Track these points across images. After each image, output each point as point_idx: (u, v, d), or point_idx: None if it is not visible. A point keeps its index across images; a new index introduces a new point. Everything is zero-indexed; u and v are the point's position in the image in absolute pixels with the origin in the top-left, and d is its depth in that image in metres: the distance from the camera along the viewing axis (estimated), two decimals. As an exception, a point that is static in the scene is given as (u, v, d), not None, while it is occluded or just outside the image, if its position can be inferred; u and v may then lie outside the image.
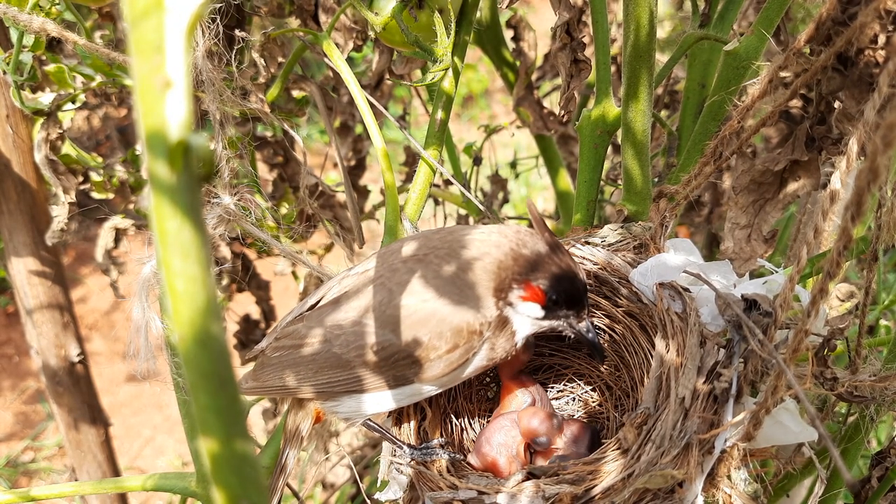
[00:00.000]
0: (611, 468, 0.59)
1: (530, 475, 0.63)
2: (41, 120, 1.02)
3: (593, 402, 0.84)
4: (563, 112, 0.93)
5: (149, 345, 0.69)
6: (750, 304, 0.59)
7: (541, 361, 0.88)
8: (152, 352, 0.70)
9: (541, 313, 0.67)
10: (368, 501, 0.72)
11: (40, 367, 1.23)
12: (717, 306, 0.62)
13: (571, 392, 0.86)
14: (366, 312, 0.65)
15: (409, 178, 1.48)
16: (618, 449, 0.62)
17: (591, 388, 0.85)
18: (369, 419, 0.71)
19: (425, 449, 0.69)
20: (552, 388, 0.87)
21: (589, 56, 0.91)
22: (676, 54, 0.87)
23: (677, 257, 0.71)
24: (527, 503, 0.60)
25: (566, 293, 0.66)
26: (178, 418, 0.75)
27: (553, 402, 0.85)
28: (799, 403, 0.59)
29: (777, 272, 0.67)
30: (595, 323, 0.81)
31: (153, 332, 0.69)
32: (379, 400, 0.67)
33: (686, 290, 0.67)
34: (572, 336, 0.70)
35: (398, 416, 0.74)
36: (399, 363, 0.64)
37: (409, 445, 0.70)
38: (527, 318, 0.67)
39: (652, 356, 0.68)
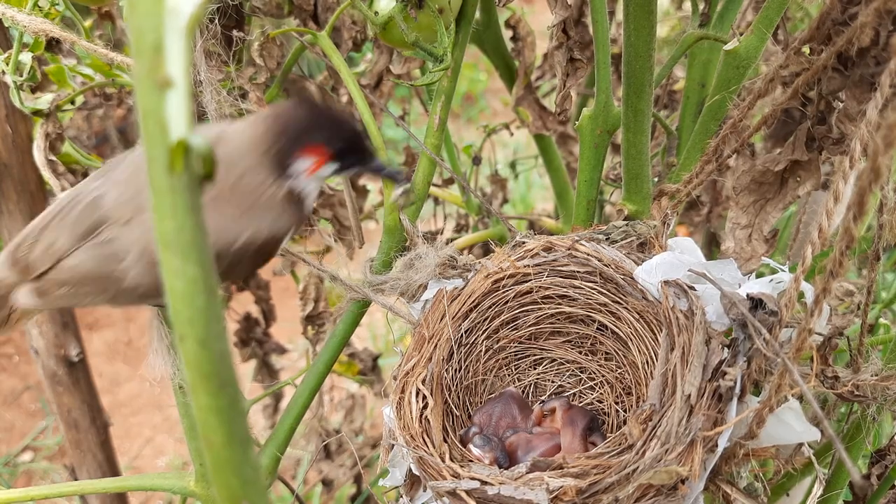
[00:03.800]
0: (615, 463, 0.59)
1: (535, 468, 0.63)
2: (41, 120, 1.02)
3: (594, 397, 0.84)
4: (558, 110, 0.93)
5: (166, 346, 0.69)
6: (755, 303, 0.59)
7: (542, 354, 0.88)
8: (170, 353, 0.69)
9: (333, 168, 0.64)
10: (373, 496, 0.72)
11: (40, 367, 1.23)
12: (721, 305, 0.62)
13: (573, 388, 0.86)
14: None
15: (408, 177, 1.48)
16: (622, 444, 0.62)
17: (593, 383, 0.85)
18: None
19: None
20: (553, 382, 0.87)
21: (588, 55, 0.91)
22: (676, 54, 0.87)
23: (683, 255, 0.71)
24: (530, 495, 0.59)
25: (346, 140, 0.63)
26: (178, 418, 0.75)
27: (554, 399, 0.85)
28: (802, 402, 0.59)
29: (782, 270, 0.67)
30: (602, 322, 0.81)
31: (164, 333, 0.69)
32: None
33: (692, 287, 0.67)
34: (371, 174, 0.68)
35: (399, 402, 0.74)
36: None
37: None
38: (317, 182, 0.65)
39: (657, 354, 0.68)
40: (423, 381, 0.75)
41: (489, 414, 0.78)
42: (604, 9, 0.78)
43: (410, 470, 0.69)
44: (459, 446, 0.71)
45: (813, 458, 0.65)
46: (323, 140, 0.61)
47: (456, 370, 0.82)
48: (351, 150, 0.63)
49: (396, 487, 0.72)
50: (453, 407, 0.80)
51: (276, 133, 0.61)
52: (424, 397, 0.74)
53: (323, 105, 0.63)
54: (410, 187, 0.65)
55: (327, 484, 1.66)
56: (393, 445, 0.72)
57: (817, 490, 0.63)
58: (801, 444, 0.65)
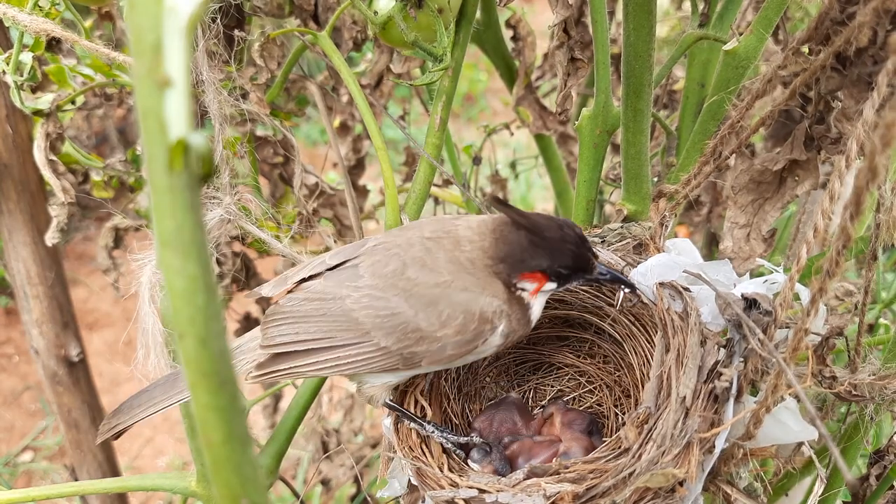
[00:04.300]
0: (612, 467, 0.59)
1: (532, 474, 0.63)
2: (41, 120, 1.02)
3: (594, 401, 0.84)
4: (559, 110, 0.93)
5: (159, 344, 0.69)
6: (750, 303, 0.59)
7: (540, 359, 0.88)
8: (163, 351, 0.69)
9: (554, 286, 0.67)
10: (369, 500, 0.72)
11: (40, 367, 1.23)
12: (717, 305, 0.62)
13: (572, 392, 0.86)
14: (380, 278, 0.66)
15: (408, 177, 1.48)
16: (619, 448, 0.62)
17: (592, 387, 0.85)
18: (391, 400, 0.71)
19: (457, 435, 0.71)
20: (552, 387, 0.87)
21: (589, 55, 0.91)
22: (676, 54, 0.87)
23: (677, 257, 0.71)
24: (528, 502, 0.60)
25: (566, 265, 0.65)
26: (178, 418, 0.75)
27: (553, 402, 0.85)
28: (799, 402, 0.59)
29: (776, 271, 0.67)
30: (599, 325, 0.80)
31: (160, 331, 0.69)
32: (385, 373, 0.68)
33: (686, 289, 0.67)
34: (592, 285, 0.69)
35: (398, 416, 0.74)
36: (408, 335, 0.64)
37: (436, 425, 0.70)
38: (543, 295, 0.68)
39: (652, 356, 0.68)
40: (422, 392, 0.75)
41: (490, 420, 0.78)
42: (603, 9, 0.78)
43: (410, 480, 0.69)
44: (458, 456, 0.71)
45: (814, 457, 0.65)
46: (541, 268, 0.65)
47: (455, 378, 0.82)
48: (570, 271, 0.66)
49: (396, 498, 0.72)
50: (452, 416, 0.80)
51: (498, 257, 0.66)
52: (423, 408, 0.74)
53: (540, 226, 0.65)
54: (635, 290, 0.69)
55: (326, 484, 1.66)
56: (392, 458, 0.72)
57: (818, 489, 0.63)
58: (800, 444, 0.65)
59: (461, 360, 0.68)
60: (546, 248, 0.64)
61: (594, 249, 0.67)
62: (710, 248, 1.45)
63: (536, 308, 0.68)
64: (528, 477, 0.63)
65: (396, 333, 0.64)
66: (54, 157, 1.04)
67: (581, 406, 0.85)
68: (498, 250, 0.66)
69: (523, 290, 0.66)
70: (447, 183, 1.41)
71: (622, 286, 0.68)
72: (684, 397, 0.58)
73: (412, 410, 0.73)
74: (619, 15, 1.15)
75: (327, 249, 1.25)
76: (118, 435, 0.71)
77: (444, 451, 0.70)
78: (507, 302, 0.65)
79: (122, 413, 0.70)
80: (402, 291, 0.64)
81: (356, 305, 0.65)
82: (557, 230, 0.64)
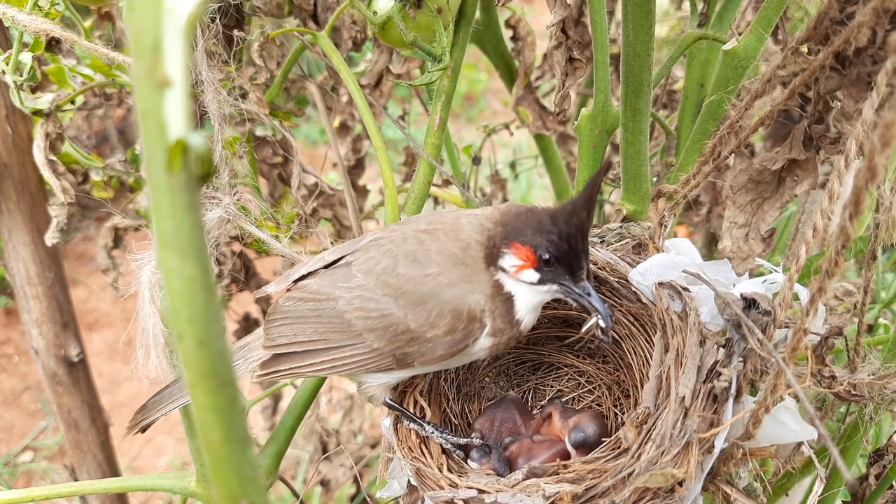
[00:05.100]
0: (611, 467, 0.59)
1: (531, 474, 0.63)
2: (41, 120, 1.02)
3: (593, 400, 0.85)
4: (557, 110, 0.93)
5: (159, 344, 0.69)
6: (749, 303, 0.59)
7: (540, 359, 0.88)
8: (163, 351, 0.70)
9: (535, 277, 0.63)
10: (368, 501, 0.73)
11: (40, 367, 1.23)
12: (716, 305, 0.62)
13: (571, 392, 0.86)
14: (372, 276, 0.66)
15: (408, 177, 1.48)
16: (618, 448, 0.62)
17: (591, 387, 0.85)
18: (391, 400, 0.72)
19: (457, 436, 0.71)
20: (551, 387, 0.87)
21: (587, 55, 0.91)
22: (675, 54, 0.87)
23: (677, 257, 0.71)
24: (527, 502, 0.60)
25: (557, 250, 0.61)
26: (178, 418, 0.76)
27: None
28: (798, 402, 0.59)
29: (776, 271, 0.67)
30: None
31: (160, 331, 0.69)
32: (381, 373, 0.68)
33: (685, 289, 0.67)
34: (573, 303, 0.64)
35: (397, 416, 0.74)
36: (399, 336, 0.64)
37: (435, 426, 0.70)
38: (525, 287, 0.64)
39: (651, 356, 0.68)
40: (422, 392, 0.75)
41: (491, 420, 0.78)
42: (602, 9, 0.78)
43: (409, 481, 0.69)
44: (458, 455, 0.71)
45: (814, 457, 0.65)
46: (532, 244, 0.62)
47: (454, 378, 0.82)
48: (557, 265, 0.62)
49: (396, 498, 0.72)
50: (452, 416, 0.80)
51: (501, 221, 0.64)
52: (422, 409, 0.74)
53: (558, 215, 0.61)
54: (608, 327, 0.64)
55: (325, 484, 1.66)
56: (391, 458, 0.72)
57: (818, 489, 0.63)
58: (800, 444, 0.65)
59: (454, 361, 0.67)
60: (546, 228, 0.62)
61: (590, 267, 0.64)
62: (710, 247, 1.45)
63: (521, 305, 0.66)
64: (527, 477, 0.63)
65: (388, 335, 0.64)
66: (54, 157, 1.04)
67: (580, 406, 0.85)
68: (504, 216, 0.65)
69: (504, 269, 0.64)
70: (447, 183, 1.41)
71: (598, 316, 0.64)
72: (683, 397, 0.58)
73: (412, 410, 0.73)
74: (619, 15, 1.15)
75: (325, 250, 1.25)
76: (144, 429, 0.74)
77: (444, 451, 0.70)
78: (490, 298, 0.64)
79: (147, 409, 0.73)
80: (392, 290, 0.64)
81: (348, 307, 0.65)
82: (567, 224, 0.61)
